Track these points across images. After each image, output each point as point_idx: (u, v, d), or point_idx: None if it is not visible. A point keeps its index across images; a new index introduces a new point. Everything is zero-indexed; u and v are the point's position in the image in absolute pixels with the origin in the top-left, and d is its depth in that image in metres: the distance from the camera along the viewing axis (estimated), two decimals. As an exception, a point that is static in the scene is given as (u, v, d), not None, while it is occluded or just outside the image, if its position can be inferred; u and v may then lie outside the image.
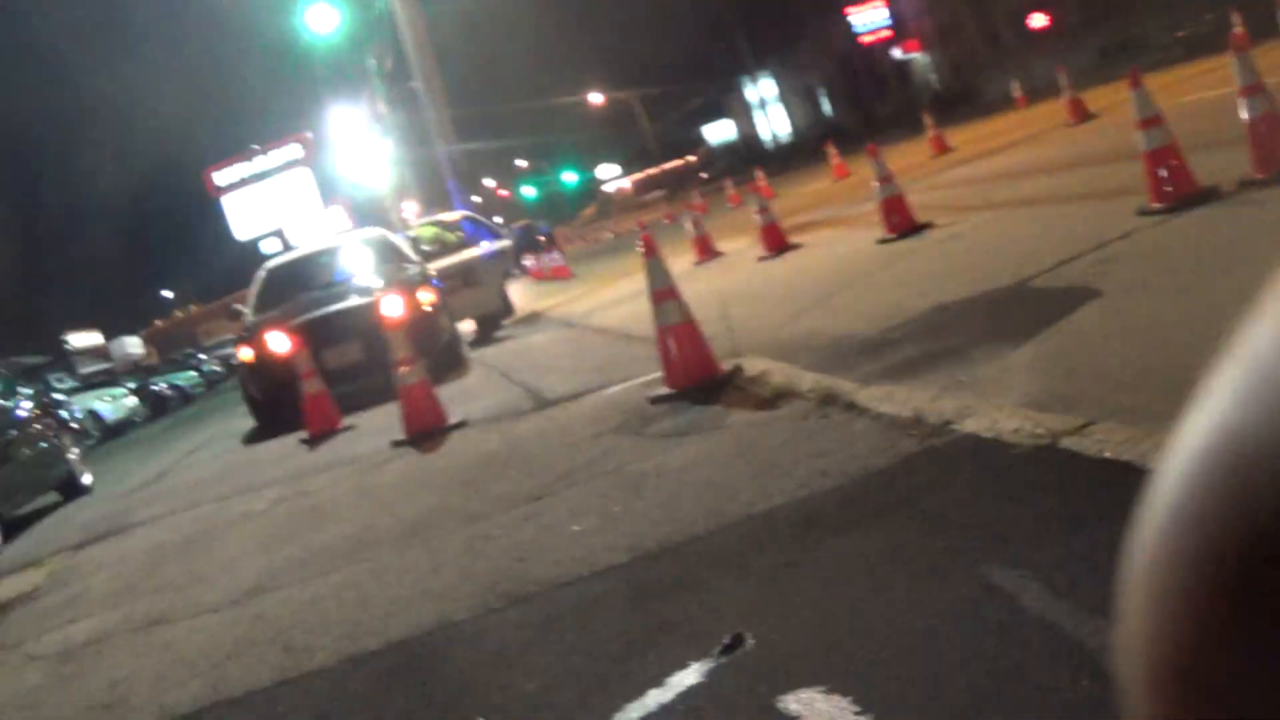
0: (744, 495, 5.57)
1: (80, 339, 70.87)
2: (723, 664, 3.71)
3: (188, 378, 48.05)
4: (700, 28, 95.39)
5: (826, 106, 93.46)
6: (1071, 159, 16.09)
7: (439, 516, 7.25)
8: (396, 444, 10.41)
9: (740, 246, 19.54)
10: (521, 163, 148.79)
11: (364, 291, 16.46)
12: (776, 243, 16.70)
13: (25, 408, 16.80)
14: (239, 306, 18.24)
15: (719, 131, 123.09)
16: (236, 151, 54.31)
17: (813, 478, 5.48)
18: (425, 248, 19.76)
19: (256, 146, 51.37)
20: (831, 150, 32.86)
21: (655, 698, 3.64)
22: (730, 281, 15.34)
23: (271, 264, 19.54)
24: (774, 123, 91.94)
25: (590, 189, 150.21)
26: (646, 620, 4.35)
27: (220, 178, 49.96)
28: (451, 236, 21.62)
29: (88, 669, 6.47)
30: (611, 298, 20.08)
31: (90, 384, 41.45)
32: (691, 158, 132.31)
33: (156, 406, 40.70)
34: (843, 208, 21.12)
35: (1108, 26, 59.16)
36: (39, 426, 16.81)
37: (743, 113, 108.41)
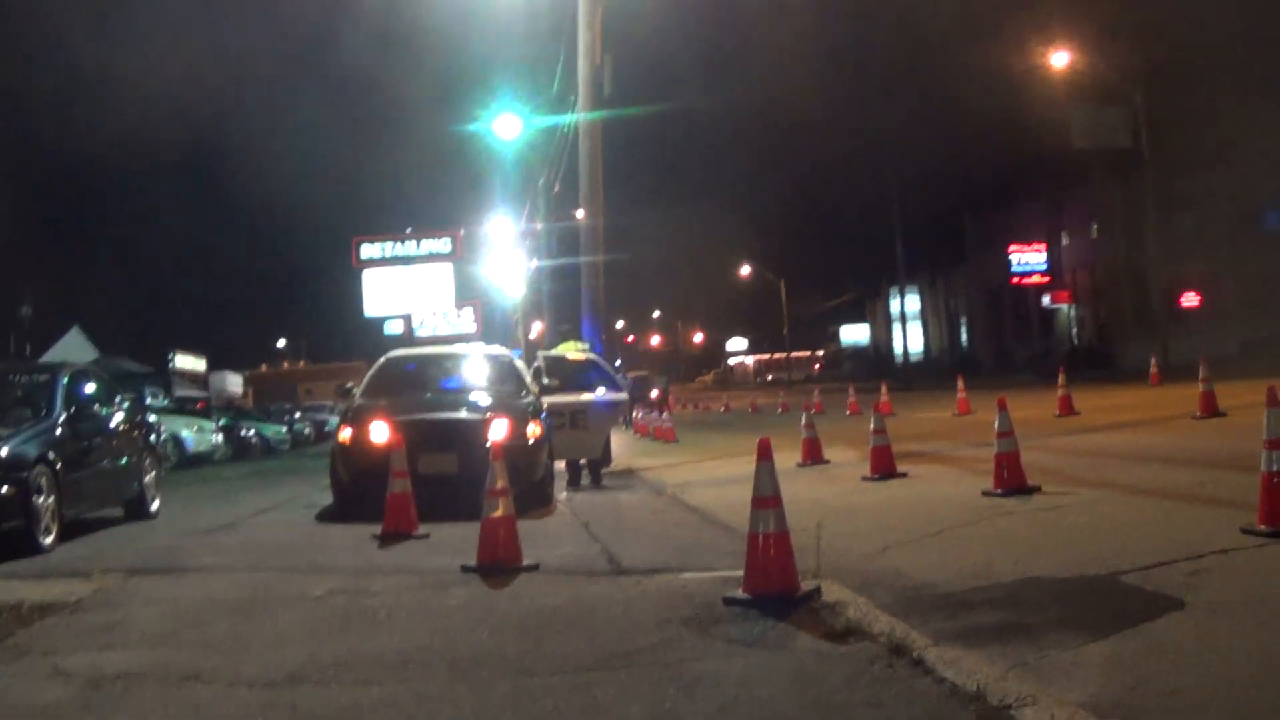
0: (794, 725, 5.57)
1: (185, 361, 71.42)
2: None
3: (276, 431, 47.98)
4: (864, 229, 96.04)
5: (964, 335, 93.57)
6: (1190, 455, 15.95)
7: (493, 659, 7.25)
8: (466, 569, 10.40)
9: (847, 458, 19.54)
10: (656, 313, 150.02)
11: (475, 408, 16.65)
12: (884, 466, 16.59)
13: (118, 418, 16.88)
14: (351, 385, 18.50)
15: (854, 334, 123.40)
16: (384, 226, 55.24)
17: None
18: (545, 380, 19.88)
19: (410, 230, 52.17)
20: (960, 384, 32.79)
21: None
22: (829, 494, 15.27)
23: (394, 354, 19.88)
24: (910, 339, 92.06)
25: (713, 355, 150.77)
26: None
27: (366, 251, 50.69)
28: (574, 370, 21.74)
29: (109, 705, 6.51)
30: (709, 475, 20.11)
31: (182, 409, 41.62)
32: (820, 353, 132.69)
33: (239, 450, 40.76)
34: (957, 445, 21.03)
35: (1256, 319, 59.00)
36: (125, 440, 16.85)
37: (882, 321, 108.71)
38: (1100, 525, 10.72)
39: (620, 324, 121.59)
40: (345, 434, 16.29)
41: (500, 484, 10.66)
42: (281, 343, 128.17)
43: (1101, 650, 6.48)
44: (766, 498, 8.46)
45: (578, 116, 27.45)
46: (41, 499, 13.36)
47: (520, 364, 19.96)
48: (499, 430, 15.63)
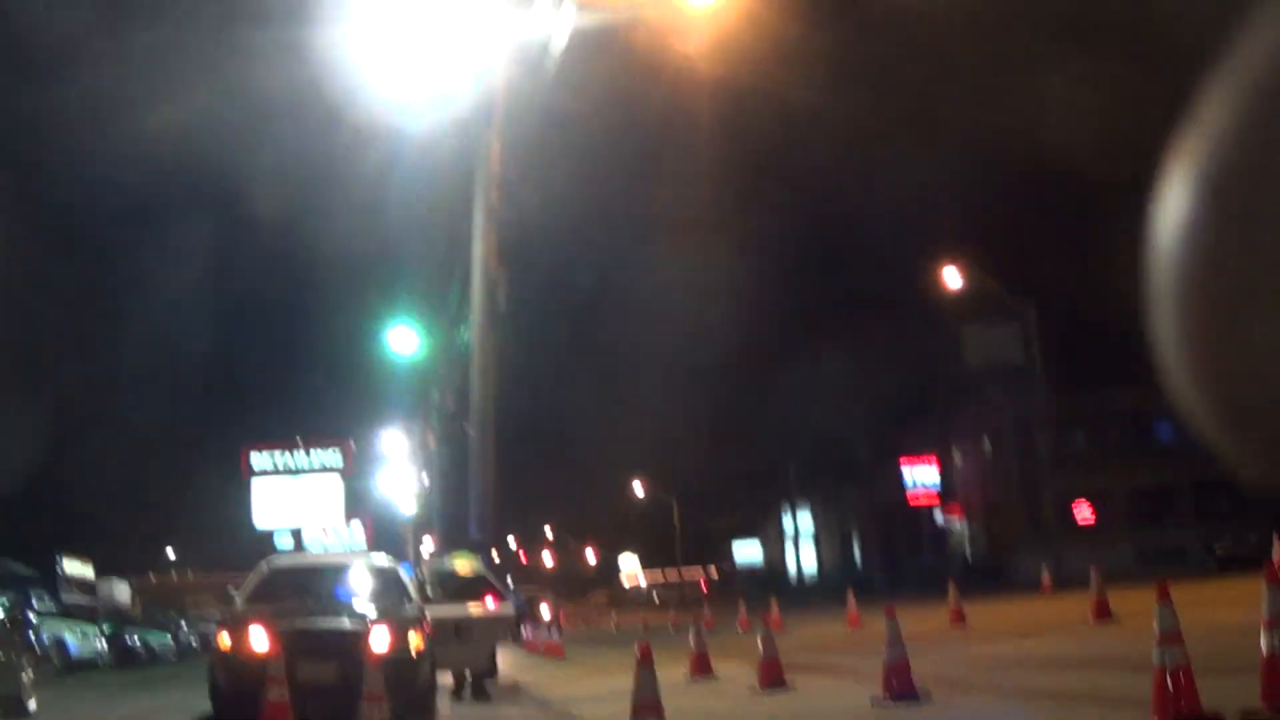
0: None
1: (73, 567, 70.04)
2: None
3: (162, 640, 47.07)
4: (757, 449, 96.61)
5: (858, 552, 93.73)
6: (1082, 659, 15.96)
7: None
8: (341, 781, 10.11)
9: (736, 672, 19.25)
10: (549, 533, 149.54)
11: (356, 617, 16.35)
12: (773, 678, 16.37)
13: None
14: (233, 590, 18.31)
15: (747, 550, 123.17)
16: (274, 433, 54.85)
17: None
18: (429, 590, 19.70)
19: (299, 439, 51.91)
20: (850, 599, 32.73)
21: None
22: (717, 707, 15.10)
23: (277, 561, 19.65)
24: (803, 556, 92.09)
25: (605, 574, 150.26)
26: None
27: (256, 461, 50.38)
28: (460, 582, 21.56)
29: None
30: (595, 690, 19.82)
31: (67, 613, 40.83)
32: (711, 572, 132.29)
33: (123, 657, 39.81)
34: (848, 657, 20.87)
35: (1150, 531, 59.76)
36: (3, 639, 16.52)
37: (775, 539, 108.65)
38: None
39: (512, 542, 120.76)
40: (224, 640, 15.92)
41: (376, 689, 10.40)
42: (170, 553, 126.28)
43: None
44: (647, 704, 8.29)
45: (471, 332, 27.49)
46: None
47: (404, 573, 19.68)
48: (380, 640, 15.29)
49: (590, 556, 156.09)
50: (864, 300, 71.51)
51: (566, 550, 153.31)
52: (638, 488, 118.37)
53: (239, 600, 17.50)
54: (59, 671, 30.84)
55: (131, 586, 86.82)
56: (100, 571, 76.39)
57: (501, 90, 25.93)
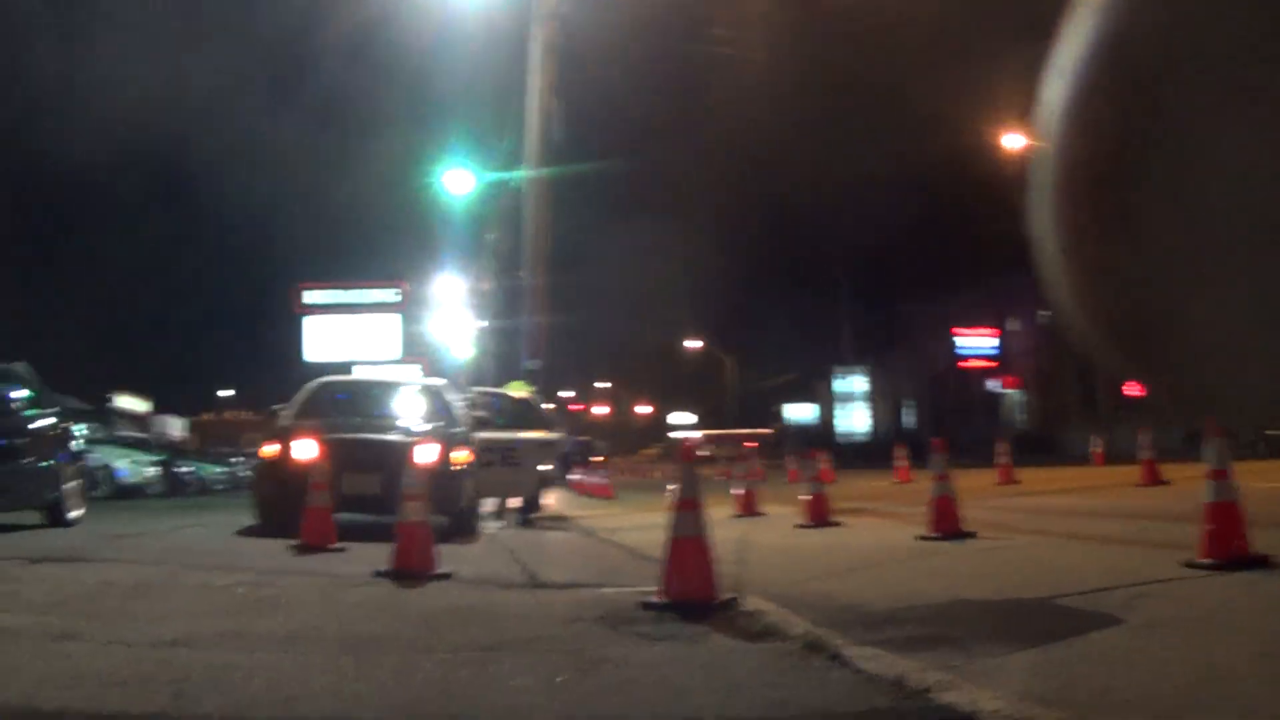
0: (695, 700, 5.25)
1: (127, 402, 70.14)
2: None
3: (215, 471, 47.17)
4: (813, 313, 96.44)
5: (910, 418, 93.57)
6: (1133, 511, 15.78)
7: (386, 640, 6.95)
8: (378, 573, 10.08)
9: (784, 512, 19.19)
10: (602, 384, 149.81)
11: (403, 431, 16.37)
12: (818, 515, 16.34)
13: (41, 423, 16.69)
14: (279, 407, 18.32)
15: (799, 412, 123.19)
16: (329, 273, 54.55)
17: (772, 705, 5.15)
18: (479, 413, 19.70)
19: (356, 280, 51.65)
20: (901, 452, 32.62)
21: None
22: (761, 535, 15.05)
23: (327, 379, 19.68)
24: (855, 419, 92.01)
25: (657, 429, 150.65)
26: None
27: (309, 297, 50.00)
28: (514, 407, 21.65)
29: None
30: (641, 522, 19.81)
31: (119, 442, 40.84)
32: (766, 431, 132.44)
33: (174, 486, 39.84)
34: (896, 505, 20.80)
35: (1198, 413, 59.50)
36: (46, 445, 16.64)
37: (827, 401, 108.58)
38: (1038, 563, 10.46)
39: (569, 393, 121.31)
40: (269, 449, 15.99)
41: (418, 489, 10.35)
42: (227, 392, 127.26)
43: (1032, 656, 6.16)
44: (687, 499, 8.20)
45: (524, 170, 27.29)
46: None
47: (453, 395, 19.65)
48: (425, 454, 15.25)
49: (645, 410, 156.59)
50: (920, 165, 70.53)
51: (620, 405, 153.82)
52: (693, 344, 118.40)
53: (286, 415, 17.53)
54: (106, 495, 31.03)
55: (188, 423, 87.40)
56: (158, 410, 76.80)
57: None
